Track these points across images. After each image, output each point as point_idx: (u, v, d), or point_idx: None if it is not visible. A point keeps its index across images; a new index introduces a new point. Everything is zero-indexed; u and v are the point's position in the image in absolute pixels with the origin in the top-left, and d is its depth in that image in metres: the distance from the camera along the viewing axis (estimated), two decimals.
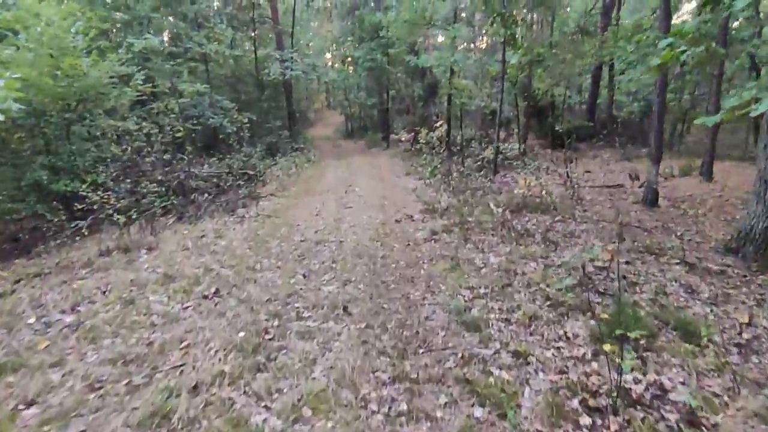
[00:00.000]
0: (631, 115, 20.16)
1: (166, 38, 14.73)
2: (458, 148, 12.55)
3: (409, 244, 5.37)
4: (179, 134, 11.00)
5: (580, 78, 18.77)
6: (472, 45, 13.16)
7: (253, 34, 16.70)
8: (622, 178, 9.36)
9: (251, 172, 10.36)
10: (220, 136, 15.13)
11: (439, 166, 9.14)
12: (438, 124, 11.88)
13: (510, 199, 7.36)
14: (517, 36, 10.15)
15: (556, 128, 18.82)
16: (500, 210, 6.47)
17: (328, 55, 34.38)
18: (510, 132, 15.63)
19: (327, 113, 37.44)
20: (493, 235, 5.61)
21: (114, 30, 11.76)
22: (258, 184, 10.07)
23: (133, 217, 6.48)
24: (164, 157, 8.58)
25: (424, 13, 13.31)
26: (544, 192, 7.10)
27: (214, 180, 9.28)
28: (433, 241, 5.45)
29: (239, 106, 18.62)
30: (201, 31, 14.74)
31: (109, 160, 7.99)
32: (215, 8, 17.64)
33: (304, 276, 4.49)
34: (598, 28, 16.66)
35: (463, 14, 14.73)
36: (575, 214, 6.47)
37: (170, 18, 13.82)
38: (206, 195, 8.13)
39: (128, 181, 7.54)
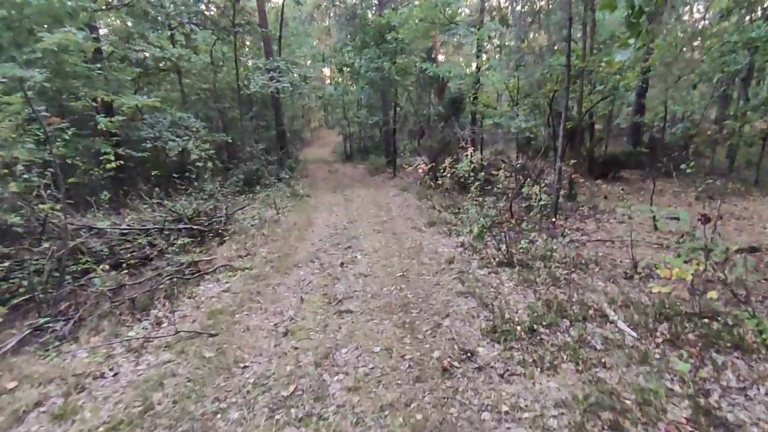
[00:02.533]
0: (675, 137, 17.19)
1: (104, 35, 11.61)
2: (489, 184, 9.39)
3: None
4: (110, 165, 7.81)
5: (625, 94, 15.75)
6: (505, 49, 10.29)
7: (233, 38, 13.67)
8: None
9: (200, 227, 7.05)
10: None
11: (486, 220, 5.87)
12: (469, 153, 8.71)
13: (637, 302, 4.07)
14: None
15: (595, 154, 15.81)
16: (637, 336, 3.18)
17: (327, 71, 31.62)
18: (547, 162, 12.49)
19: (324, 132, 34.53)
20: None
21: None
22: (212, 244, 6.77)
23: None
24: (49, 210, 5.24)
25: (444, 8, 10.29)
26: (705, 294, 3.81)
27: (138, 241, 5.98)
28: None
29: (219, 125, 15.62)
30: (163, 32, 11.72)
31: None
32: (191, 9, 14.72)
33: None
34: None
35: (493, 12, 11.77)
36: None
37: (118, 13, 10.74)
38: (102, 279, 4.79)
39: None
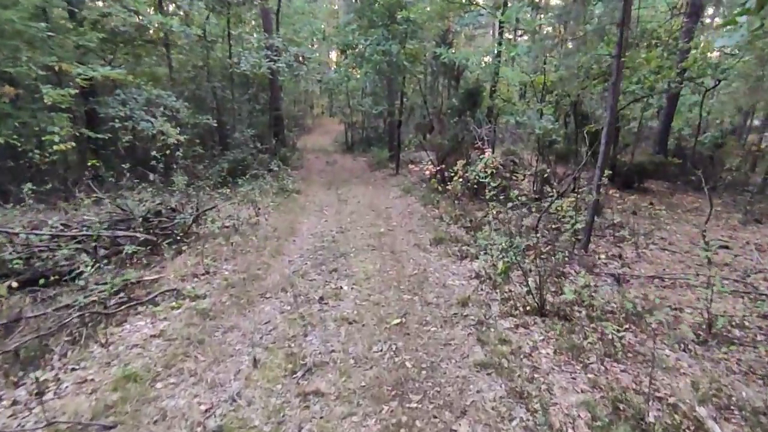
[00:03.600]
0: (703, 147, 15.80)
1: None
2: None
3: None
4: (57, 147, 6.47)
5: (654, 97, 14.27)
6: (537, 35, 8.87)
7: (227, 11, 12.17)
8: None
9: (150, 233, 5.68)
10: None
11: (514, 252, 4.50)
12: (486, 155, 7.33)
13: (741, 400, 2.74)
14: None
15: (621, 160, 14.41)
16: None
17: (333, 55, 29.92)
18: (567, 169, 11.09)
19: (327, 119, 32.96)
20: None
21: None
22: (166, 256, 5.42)
23: None
24: None
25: None
26: None
27: (63, 251, 4.63)
28: None
29: (213, 107, 14.15)
30: None
31: None
32: None
33: None
34: (681, 34, 12.15)
35: None
36: None
37: None
38: None
39: None
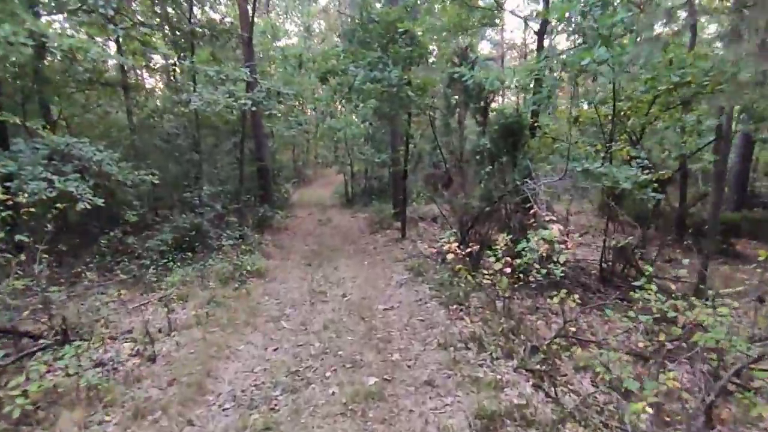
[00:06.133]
0: None
1: None
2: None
3: None
4: None
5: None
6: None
7: (190, 42, 9.81)
8: None
9: None
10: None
11: None
12: (555, 232, 4.21)
13: None
14: None
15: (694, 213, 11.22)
16: None
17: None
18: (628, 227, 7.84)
19: (330, 169, 30.62)
20: None
21: None
22: None
23: None
24: None
25: None
26: None
27: None
28: None
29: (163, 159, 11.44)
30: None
31: None
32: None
33: None
34: None
35: None
36: None
37: None
38: None
39: None
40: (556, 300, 4.25)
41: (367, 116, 10.57)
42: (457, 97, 7.40)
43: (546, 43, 8.55)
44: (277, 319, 5.13)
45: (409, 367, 3.87)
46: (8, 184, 6.16)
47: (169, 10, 10.11)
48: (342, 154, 17.96)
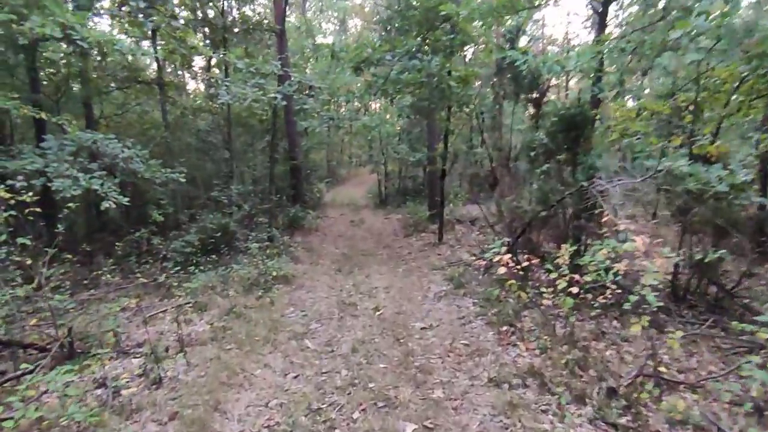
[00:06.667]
0: None
1: None
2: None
3: None
4: None
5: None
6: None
7: (222, 39, 9.52)
8: None
9: None
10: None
11: None
12: (640, 244, 3.35)
13: None
14: None
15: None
16: None
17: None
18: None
19: (363, 168, 30.15)
20: None
21: None
22: None
23: None
24: None
25: None
26: None
27: None
28: None
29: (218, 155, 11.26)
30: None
31: None
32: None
33: None
34: None
35: None
36: None
37: None
38: None
39: None
40: (635, 328, 3.41)
41: (404, 111, 9.83)
42: (502, 86, 6.55)
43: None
44: (300, 337, 4.54)
45: (454, 410, 3.13)
46: (35, 182, 5.99)
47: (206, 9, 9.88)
48: (376, 153, 17.33)
